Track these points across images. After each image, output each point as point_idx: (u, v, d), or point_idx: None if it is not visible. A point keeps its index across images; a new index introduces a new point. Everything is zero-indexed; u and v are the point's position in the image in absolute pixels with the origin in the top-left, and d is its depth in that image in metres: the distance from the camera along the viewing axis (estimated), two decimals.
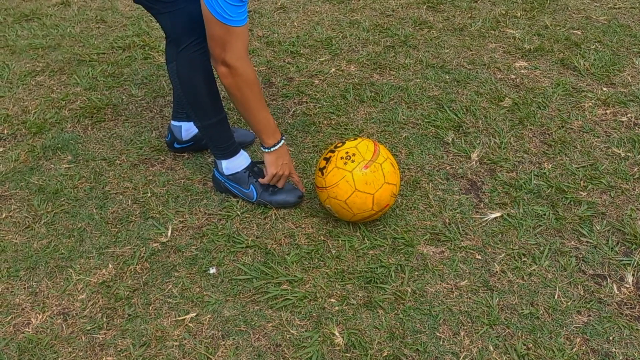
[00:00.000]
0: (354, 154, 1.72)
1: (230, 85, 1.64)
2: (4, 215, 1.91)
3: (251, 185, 1.90)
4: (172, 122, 2.11)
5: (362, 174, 1.69)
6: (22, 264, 1.73)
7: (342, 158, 1.72)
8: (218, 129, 1.85)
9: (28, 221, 1.88)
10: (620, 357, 1.45)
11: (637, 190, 1.99)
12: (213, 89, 1.81)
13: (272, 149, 1.80)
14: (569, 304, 1.59)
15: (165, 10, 1.71)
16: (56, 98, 2.57)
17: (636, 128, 2.31)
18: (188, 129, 2.12)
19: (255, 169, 1.92)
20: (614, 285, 1.65)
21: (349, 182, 1.69)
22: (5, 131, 2.34)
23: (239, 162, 1.91)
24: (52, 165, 2.14)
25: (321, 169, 1.76)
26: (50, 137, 2.29)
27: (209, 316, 1.57)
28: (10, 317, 1.57)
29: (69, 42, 3.08)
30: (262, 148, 1.83)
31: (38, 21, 3.34)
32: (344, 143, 1.78)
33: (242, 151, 1.93)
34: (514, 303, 1.60)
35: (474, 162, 2.13)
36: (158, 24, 3.31)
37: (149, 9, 1.77)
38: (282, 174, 1.85)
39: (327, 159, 1.76)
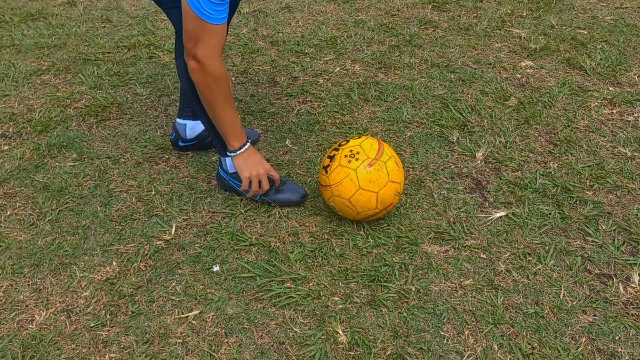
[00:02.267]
0: (358, 152, 1.71)
1: (199, 82, 1.61)
2: (8, 213, 1.91)
3: None
4: (177, 120, 2.11)
5: (366, 172, 1.69)
6: (26, 261, 1.73)
7: (346, 156, 1.72)
8: None
9: (32, 218, 1.89)
10: (626, 357, 1.44)
11: None
12: None
13: (237, 152, 1.77)
14: (574, 303, 1.58)
15: (175, 4, 1.71)
16: (61, 97, 2.57)
17: None
18: (193, 128, 2.12)
19: None
20: (620, 284, 1.64)
21: (352, 181, 1.69)
22: (11, 129, 2.35)
23: None
24: (57, 163, 2.14)
25: (325, 167, 1.76)
26: (55, 135, 2.30)
27: (212, 314, 1.57)
28: (14, 314, 1.57)
29: (75, 41, 3.09)
30: (228, 153, 1.80)
31: (44, 20, 3.35)
32: (348, 141, 1.77)
33: None
34: (518, 302, 1.59)
35: (479, 161, 2.12)
36: (166, 20, 3.32)
37: (159, 4, 1.77)
38: (257, 174, 1.80)
39: (331, 157, 1.75)
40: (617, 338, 1.49)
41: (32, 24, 3.30)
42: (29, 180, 2.06)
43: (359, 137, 1.78)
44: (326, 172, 1.75)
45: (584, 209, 1.89)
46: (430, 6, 3.44)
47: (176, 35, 1.86)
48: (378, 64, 2.80)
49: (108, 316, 1.56)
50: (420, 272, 1.68)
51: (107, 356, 1.46)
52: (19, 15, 3.42)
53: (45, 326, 1.54)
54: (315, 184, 2.01)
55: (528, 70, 2.72)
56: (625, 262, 1.70)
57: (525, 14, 3.31)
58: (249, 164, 1.80)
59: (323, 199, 1.87)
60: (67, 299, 1.62)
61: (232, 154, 1.79)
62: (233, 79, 2.69)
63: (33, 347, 1.48)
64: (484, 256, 1.73)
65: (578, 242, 1.78)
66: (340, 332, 1.51)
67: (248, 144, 1.79)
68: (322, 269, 1.69)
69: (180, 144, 2.16)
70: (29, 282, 1.67)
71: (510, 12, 3.34)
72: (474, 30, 3.12)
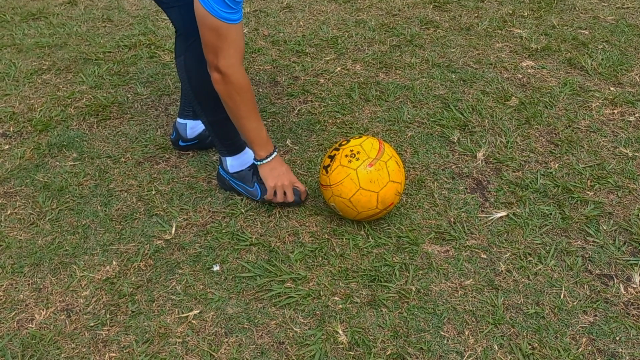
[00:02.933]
0: (358, 152, 1.71)
1: (222, 92, 1.63)
2: (9, 212, 1.91)
3: (255, 184, 1.89)
4: (178, 120, 2.11)
5: (366, 172, 1.68)
6: (26, 260, 1.73)
7: (346, 156, 1.71)
8: (224, 125, 1.84)
9: (33, 218, 1.89)
10: (627, 358, 1.44)
11: None
12: None
13: (264, 162, 1.79)
14: (575, 303, 1.58)
15: (175, 3, 1.71)
16: (62, 96, 2.57)
17: None
18: (193, 127, 2.12)
19: None
20: (621, 285, 1.63)
21: (353, 180, 1.69)
22: (11, 129, 2.35)
23: (244, 159, 1.90)
24: (58, 163, 2.14)
25: (325, 167, 1.76)
26: (55, 134, 2.30)
27: (212, 313, 1.56)
28: (14, 313, 1.57)
29: (76, 40, 3.09)
30: (254, 161, 1.82)
31: (45, 20, 3.35)
32: (348, 141, 1.77)
33: (247, 149, 1.93)
34: (519, 302, 1.58)
35: (479, 161, 2.12)
36: (167, 20, 3.32)
37: (160, 3, 1.77)
38: (282, 184, 1.82)
39: (332, 157, 1.75)
40: (617, 338, 1.48)
41: (33, 24, 3.30)
42: (29, 179, 2.06)
43: (360, 137, 1.78)
44: (327, 171, 1.74)
45: (584, 209, 1.89)
46: (431, 6, 3.43)
47: (176, 35, 1.86)
48: (379, 64, 2.79)
49: (108, 315, 1.56)
50: (421, 272, 1.68)
51: (106, 355, 1.46)
52: (20, 14, 3.42)
53: (45, 325, 1.54)
54: (315, 184, 2.01)
55: (529, 71, 2.71)
56: (626, 262, 1.70)
57: (526, 14, 3.31)
58: (274, 174, 1.81)
59: (323, 199, 1.87)
60: (67, 298, 1.62)
61: (259, 162, 1.80)
62: None
63: (33, 347, 1.48)
64: (485, 256, 1.73)
65: (579, 242, 1.77)
66: (341, 332, 1.50)
67: (275, 153, 1.81)
68: (323, 268, 1.69)
69: (181, 143, 2.16)
70: (29, 281, 1.67)
71: (511, 12, 3.33)
72: (475, 30, 3.12)
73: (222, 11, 1.48)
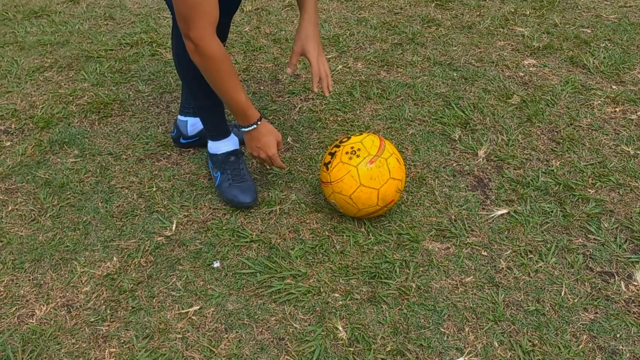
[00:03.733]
0: (359, 149, 1.71)
1: (197, 63, 1.62)
2: (10, 208, 1.92)
3: (218, 172, 1.93)
4: (179, 117, 2.12)
5: (367, 169, 1.68)
6: (27, 256, 1.74)
7: (347, 153, 1.71)
8: (212, 112, 1.87)
9: (34, 214, 1.89)
10: (627, 355, 1.43)
11: None
12: None
13: (246, 129, 1.76)
14: (575, 301, 1.57)
15: None
16: (64, 93, 2.58)
17: None
18: (194, 124, 2.12)
19: (231, 158, 1.94)
20: (622, 282, 1.63)
21: (353, 177, 1.68)
22: (13, 125, 2.36)
23: (221, 146, 1.96)
24: (59, 160, 2.15)
25: (326, 164, 1.76)
26: (57, 131, 2.30)
27: (212, 309, 1.57)
28: (14, 308, 1.58)
29: (78, 38, 3.09)
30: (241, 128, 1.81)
31: (47, 18, 3.36)
32: (349, 138, 1.77)
33: (231, 137, 1.97)
34: (519, 299, 1.58)
35: (480, 159, 2.11)
36: (169, 18, 3.31)
37: None
38: (259, 156, 1.80)
39: (332, 154, 1.75)
40: (618, 336, 1.48)
41: (35, 21, 3.31)
42: (30, 176, 2.06)
43: (360, 134, 1.78)
44: (327, 169, 1.74)
45: (586, 207, 1.88)
46: (433, 4, 3.43)
47: (173, 21, 1.85)
48: (380, 62, 2.79)
49: (108, 311, 1.56)
50: (421, 269, 1.68)
51: (107, 351, 1.46)
52: (23, 12, 3.43)
53: (45, 321, 1.54)
54: (316, 181, 2.01)
55: (531, 69, 2.71)
56: (627, 260, 1.70)
57: (528, 12, 3.30)
58: (252, 145, 1.79)
59: (324, 196, 1.87)
60: (68, 294, 1.62)
61: (242, 129, 1.77)
62: None
63: (33, 342, 1.48)
64: (485, 253, 1.72)
65: (580, 240, 1.77)
66: (340, 328, 1.50)
67: (254, 125, 1.74)
68: (323, 265, 1.69)
69: (182, 140, 2.16)
70: (29, 277, 1.67)
71: (513, 10, 3.33)
72: (477, 29, 3.12)
73: None
